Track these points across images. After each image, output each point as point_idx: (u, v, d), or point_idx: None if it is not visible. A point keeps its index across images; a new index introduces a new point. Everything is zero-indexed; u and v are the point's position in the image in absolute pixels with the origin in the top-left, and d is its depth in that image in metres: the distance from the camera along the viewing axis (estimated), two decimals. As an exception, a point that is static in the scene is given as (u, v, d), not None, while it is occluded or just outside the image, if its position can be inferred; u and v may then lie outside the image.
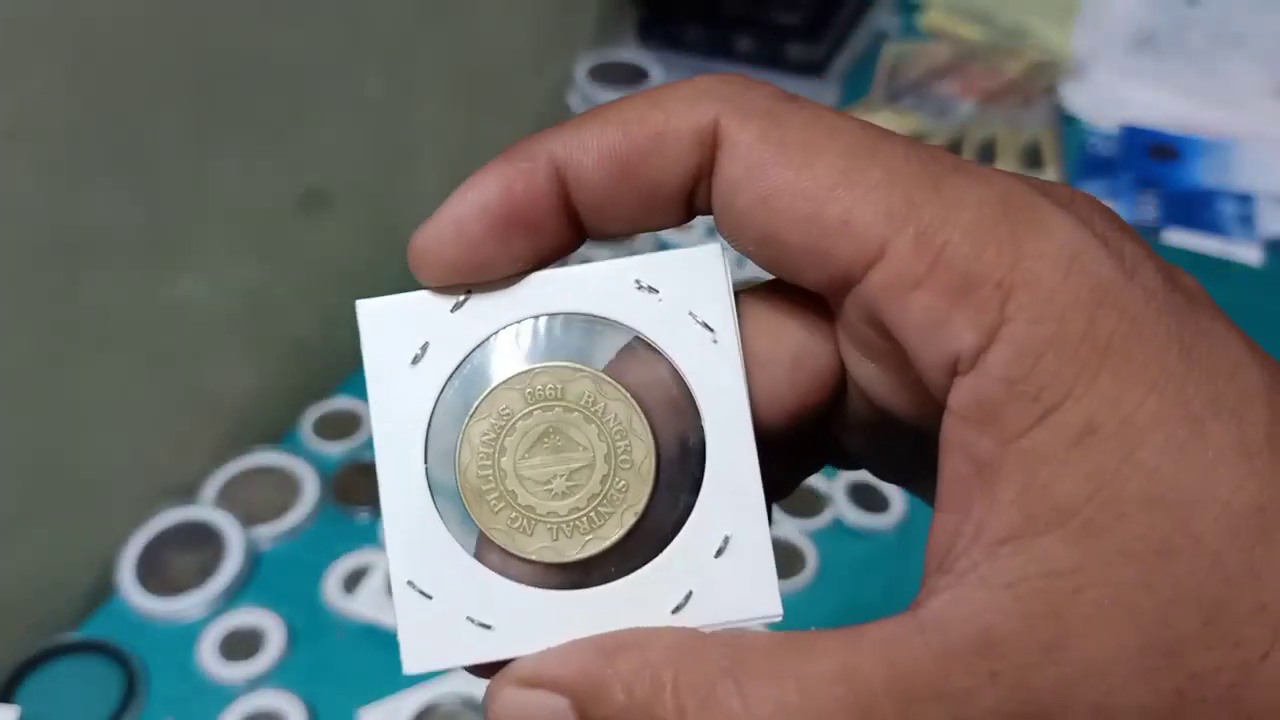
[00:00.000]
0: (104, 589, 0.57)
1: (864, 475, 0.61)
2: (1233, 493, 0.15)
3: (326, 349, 0.67)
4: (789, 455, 0.21)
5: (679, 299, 0.19)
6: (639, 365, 0.19)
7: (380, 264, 0.70)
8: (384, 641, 0.54)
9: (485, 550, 0.19)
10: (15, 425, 0.51)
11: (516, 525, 0.19)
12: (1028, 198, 0.16)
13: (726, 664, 0.16)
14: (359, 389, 0.73)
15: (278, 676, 0.53)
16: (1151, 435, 0.15)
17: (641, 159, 0.18)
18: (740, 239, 0.18)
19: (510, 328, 0.19)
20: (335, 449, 0.63)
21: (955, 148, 0.83)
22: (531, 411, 0.19)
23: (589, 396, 0.19)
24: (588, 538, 0.19)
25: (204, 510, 0.59)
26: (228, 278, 0.59)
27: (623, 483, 0.19)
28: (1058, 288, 0.15)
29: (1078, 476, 0.15)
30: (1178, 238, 0.77)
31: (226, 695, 0.52)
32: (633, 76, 0.81)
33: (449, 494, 0.19)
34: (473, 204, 0.18)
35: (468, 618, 0.19)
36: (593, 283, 0.19)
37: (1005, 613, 0.15)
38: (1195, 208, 0.79)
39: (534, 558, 0.19)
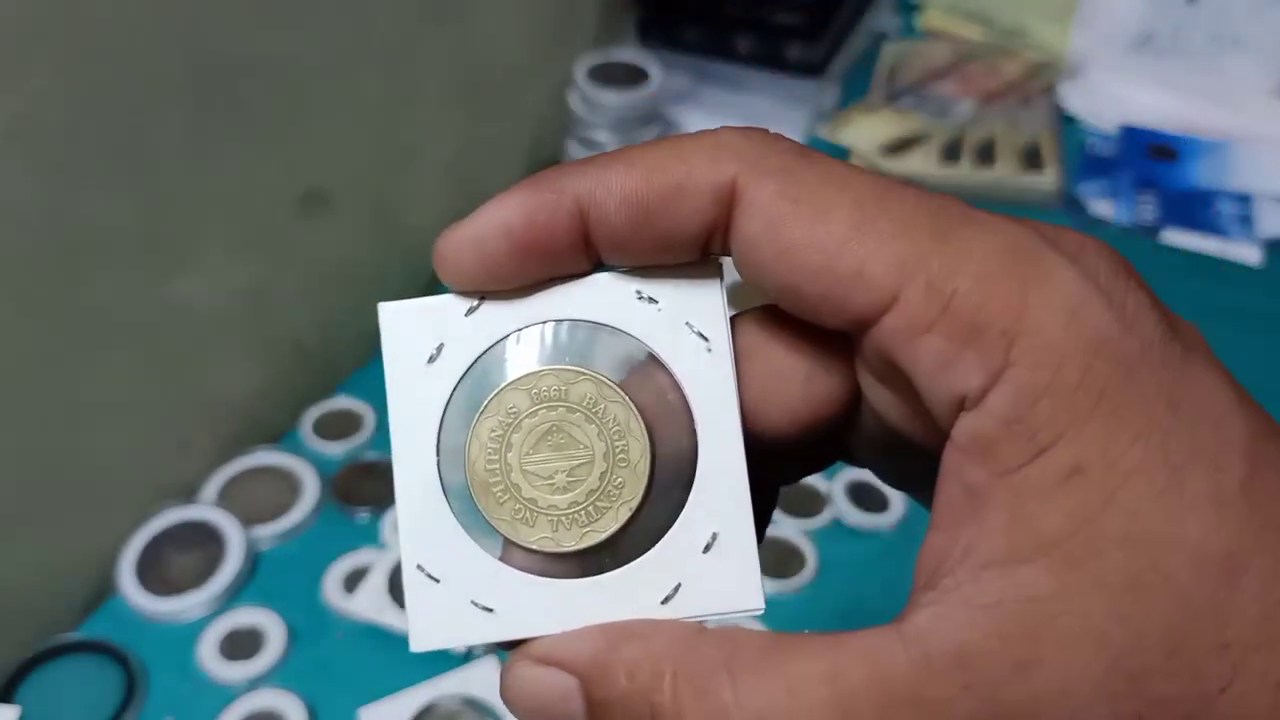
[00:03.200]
0: (104, 589, 0.57)
1: (864, 475, 0.62)
2: (1204, 537, 0.16)
3: (326, 349, 0.67)
4: (799, 455, 0.22)
5: (677, 310, 0.21)
6: (637, 370, 0.21)
7: (380, 264, 0.70)
8: (384, 641, 0.54)
9: (489, 540, 0.20)
10: (15, 425, 0.51)
11: (519, 516, 0.20)
12: (1034, 248, 0.18)
13: (722, 658, 0.18)
14: (359, 389, 0.74)
15: (278, 676, 0.53)
16: (1134, 480, 0.16)
17: (662, 207, 0.19)
18: (760, 286, 0.19)
19: (519, 332, 0.21)
20: (335, 449, 0.63)
21: (954, 147, 0.83)
22: (537, 411, 0.20)
23: (590, 398, 0.20)
24: (585, 530, 0.20)
25: (204, 510, 0.59)
26: (228, 278, 0.59)
27: (620, 480, 0.20)
28: (1058, 337, 0.17)
29: (1062, 512, 0.16)
30: (1176, 238, 0.77)
31: (226, 695, 0.52)
32: (633, 76, 0.81)
33: (458, 486, 0.20)
34: (495, 224, 0.20)
35: (471, 601, 0.20)
36: (597, 293, 0.21)
37: (983, 631, 0.16)
38: (1194, 208, 0.79)
39: (535, 547, 0.20)
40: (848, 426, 0.21)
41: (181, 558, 0.57)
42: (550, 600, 0.20)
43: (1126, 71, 0.89)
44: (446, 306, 0.21)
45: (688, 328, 0.20)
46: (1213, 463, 0.16)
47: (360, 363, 0.68)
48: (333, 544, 0.58)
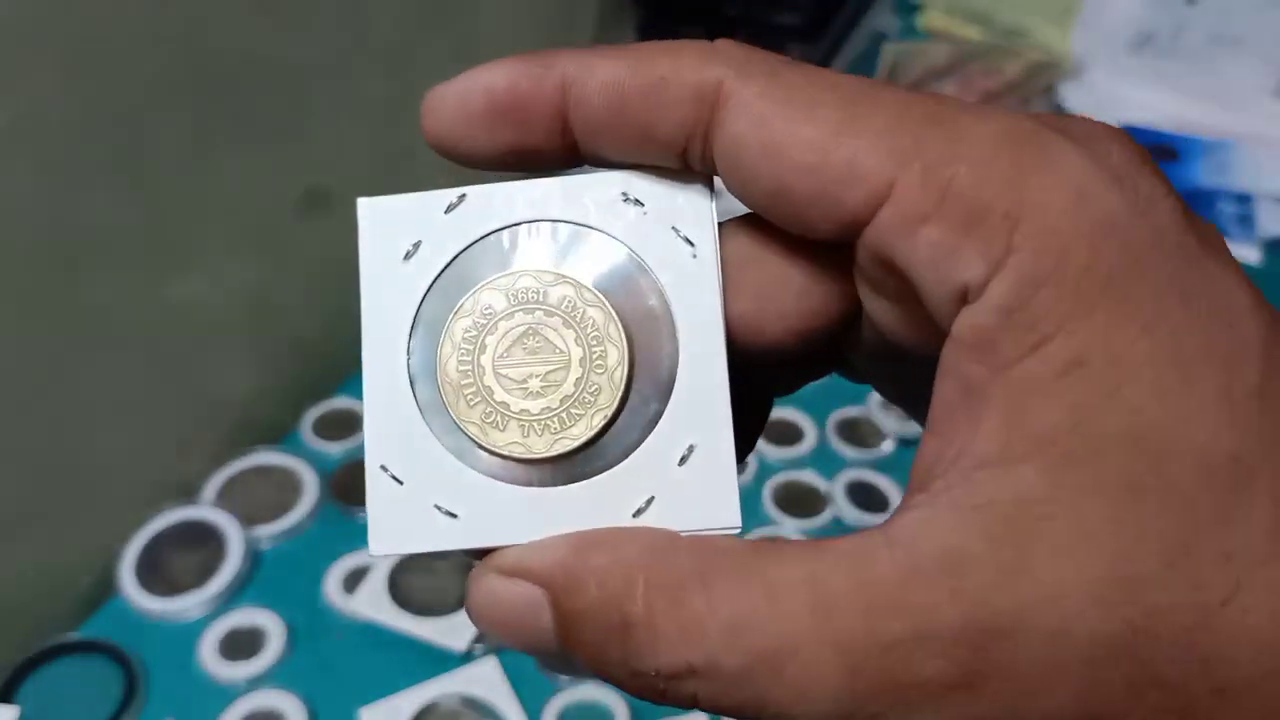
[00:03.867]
0: (104, 589, 0.57)
1: (865, 475, 0.62)
2: (1211, 440, 0.15)
3: (327, 349, 0.67)
4: (795, 365, 0.21)
5: (663, 214, 0.20)
6: (618, 274, 0.20)
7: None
8: (384, 641, 0.54)
9: (457, 443, 0.20)
10: (16, 425, 0.51)
11: (490, 420, 0.19)
12: (1035, 132, 0.16)
13: (696, 566, 0.17)
14: (359, 389, 0.74)
15: (278, 676, 0.53)
16: (1139, 375, 0.15)
17: (641, 98, 0.19)
18: (747, 193, 0.19)
19: (499, 231, 0.20)
20: (335, 449, 0.63)
21: (955, 148, 0.83)
22: (513, 312, 0.20)
23: (569, 301, 0.20)
24: (557, 437, 0.19)
25: (204, 510, 0.59)
26: (228, 278, 0.59)
27: (595, 386, 0.19)
28: (1063, 220, 0.16)
29: (1060, 408, 0.15)
30: (1177, 238, 0.77)
31: (227, 695, 0.52)
32: (632, 77, 0.81)
33: (428, 386, 0.20)
34: (480, 83, 0.20)
35: (435, 505, 0.19)
36: (581, 192, 0.20)
37: (970, 533, 0.15)
38: (1194, 208, 0.79)
39: (504, 452, 0.19)
40: (846, 337, 0.21)
41: (182, 558, 0.57)
42: (518, 508, 0.19)
43: (1127, 71, 0.89)
44: (426, 203, 0.20)
45: (673, 232, 0.20)
46: (1225, 362, 0.15)
47: (360, 362, 0.68)
48: (333, 544, 0.58)
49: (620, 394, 0.19)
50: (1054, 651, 0.15)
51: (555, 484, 0.19)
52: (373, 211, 0.21)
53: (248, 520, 0.58)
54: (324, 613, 0.56)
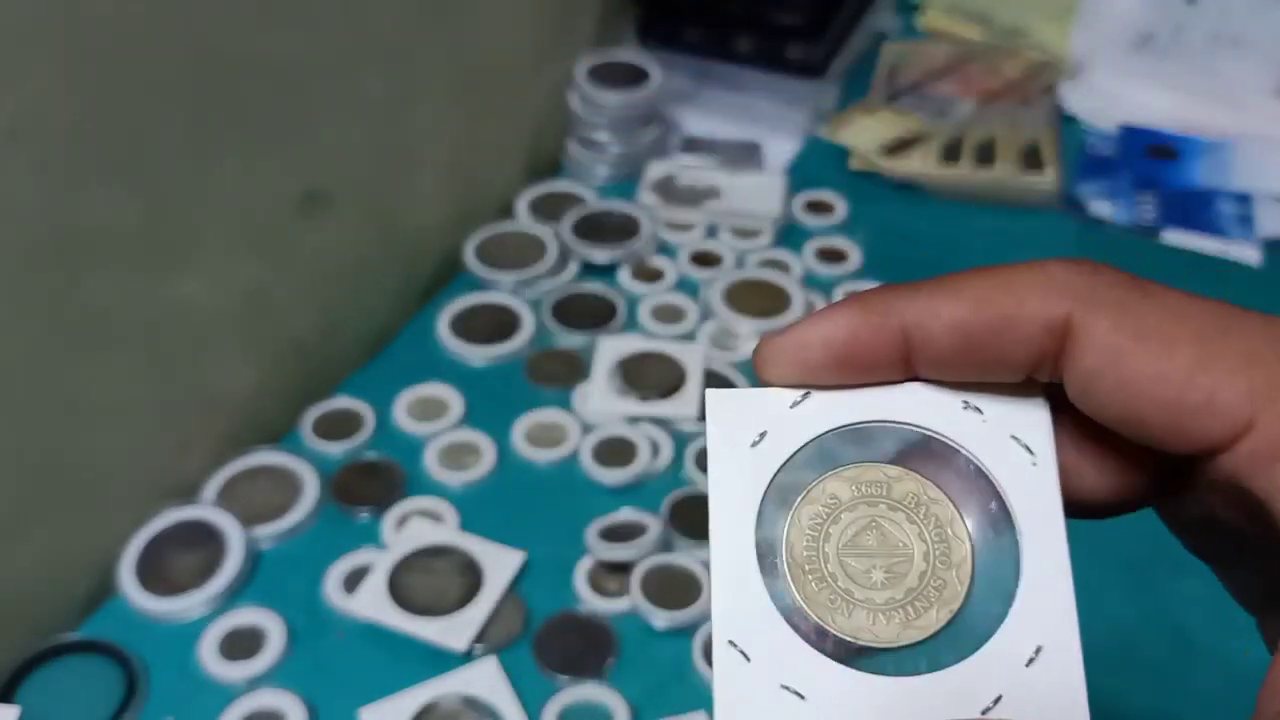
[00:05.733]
0: (104, 589, 0.57)
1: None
2: None
3: (326, 349, 0.67)
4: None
5: (1002, 422, 0.21)
6: (959, 476, 0.21)
7: (380, 264, 0.70)
8: (384, 641, 0.54)
9: (804, 624, 0.20)
10: (15, 425, 0.51)
11: (835, 605, 0.20)
12: None
13: None
14: (359, 389, 0.74)
15: (278, 676, 0.53)
16: None
17: (991, 338, 0.19)
18: (1098, 416, 0.19)
19: (845, 428, 0.21)
20: (335, 449, 0.63)
21: (954, 148, 0.83)
22: (857, 504, 0.20)
23: (914, 497, 0.20)
24: (904, 627, 0.20)
25: (204, 510, 0.59)
26: (228, 278, 0.59)
27: (940, 581, 0.20)
28: None
29: None
30: (1176, 238, 0.77)
31: (227, 695, 0.52)
32: (633, 76, 0.81)
33: (774, 567, 0.20)
34: (820, 337, 0.20)
35: (782, 685, 0.19)
36: (923, 399, 0.21)
37: None
38: (1194, 208, 0.79)
39: (851, 637, 0.20)
40: (1163, 503, 0.21)
41: (182, 558, 0.57)
42: (864, 694, 0.19)
43: (1126, 71, 0.88)
44: (773, 397, 0.21)
45: (1013, 440, 0.20)
46: None
47: (360, 363, 0.68)
48: (333, 544, 0.58)
49: (966, 589, 0.20)
50: None
51: (899, 674, 0.19)
52: (722, 401, 0.21)
53: (248, 520, 0.58)
54: (324, 613, 0.56)
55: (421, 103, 0.69)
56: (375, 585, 0.55)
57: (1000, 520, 0.20)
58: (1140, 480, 0.21)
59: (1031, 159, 0.82)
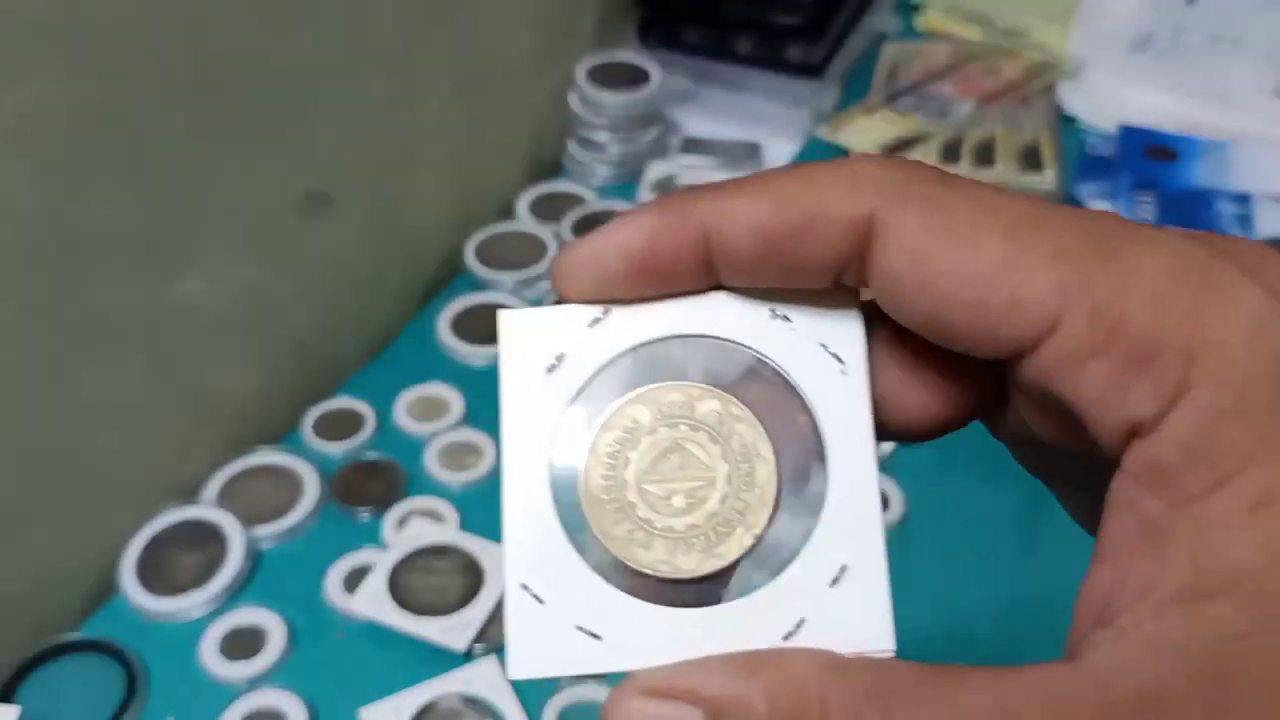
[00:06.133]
0: (105, 588, 0.57)
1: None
2: None
3: (327, 349, 0.67)
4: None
5: (811, 330, 0.20)
6: (766, 390, 0.20)
7: (380, 264, 0.70)
8: (385, 640, 0.54)
9: (600, 560, 0.19)
10: (16, 425, 0.51)
11: (634, 537, 0.19)
12: (1208, 263, 0.16)
13: (872, 687, 0.16)
14: (359, 389, 0.74)
15: (278, 676, 0.53)
16: None
17: (792, 238, 0.18)
18: (903, 318, 0.18)
19: (645, 346, 0.20)
20: (336, 449, 0.63)
21: (954, 148, 0.83)
22: (658, 427, 0.19)
23: (716, 416, 0.19)
24: (704, 556, 0.19)
25: (205, 510, 0.59)
26: (228, 278, 0.59)
27: (743, 504, 0.19)
28: (1241, 357, 0.16)
29: (1251, 544, 0.15)
30: (1176, 238, 0.77)
31: (227, 694, 0.52)
32: (633, 77, 0.81)
33: (569, 501, 0.19)
34: (616, 244, 0.19)
35: (578, 626, 0.19)
36: (727, 309, 0.20)
37: (1171, 672, 0.15)
38: (1193, 208, 0.79)
39: (649, 571, 0.19)
40: (988, 417, 0.21)
41: (182, 557, 0.57)
42: (663, 629, 0.19)
43: (1126, 72, 0.89)
44: (569, 316, 0.20)
45: (822, 349, 0.19)
46: None
47: (361, 363, 0.68)
48: (333, 544, 0.58)
49: (769, 512, 0.19)
50: None
51: (701, 604, 0.19)
52: (515, 323, 0.20)
53: (248, 520, 0.58)
54: (324, 613, 0.56)
55: (422, 103, 0.69)
56: (375, 585, 0.55)
57: (808, 435, 0.19)
58: (965, 396, 0.20)
59: (1031, 159, 0.82)
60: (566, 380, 0.20)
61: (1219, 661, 0.15)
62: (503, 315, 0.20)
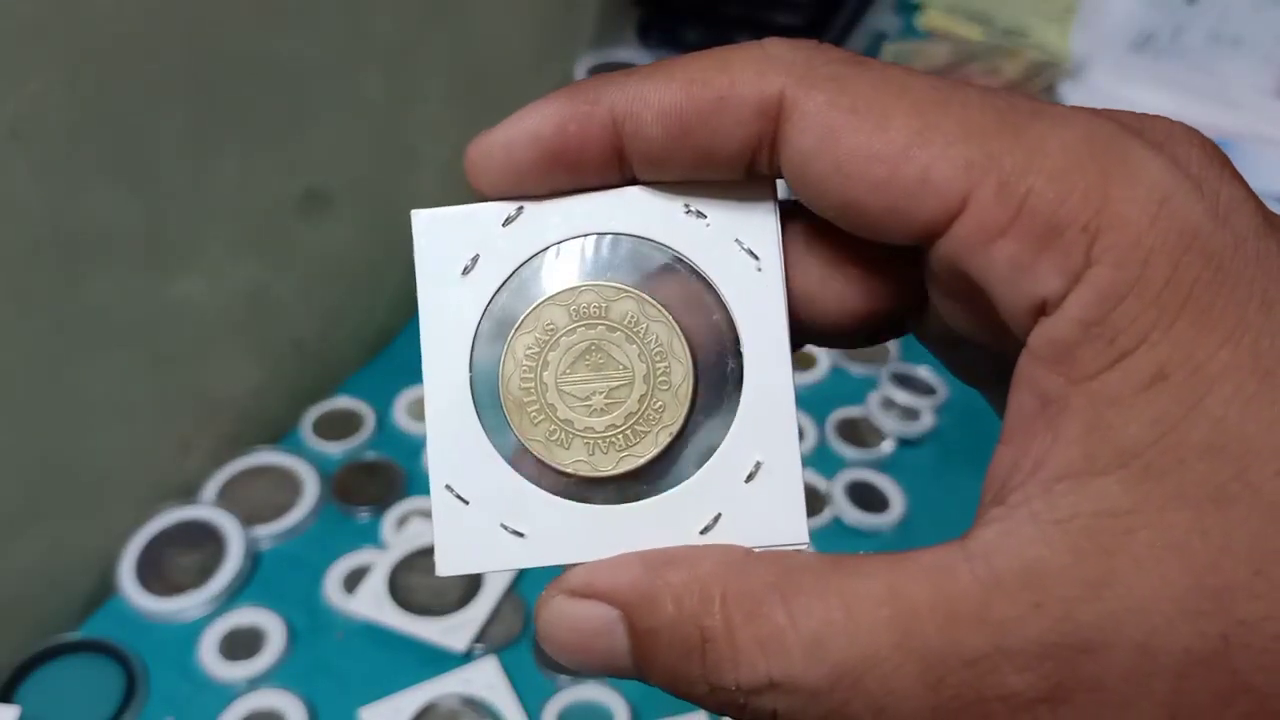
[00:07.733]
0: (104, 589, 0.57)
1: (864, 475, 0.62)
2: None
3: (326, 349, 0.67)
4: (853, 339, 0.21)
5: (726, 226, 0.19)
6: (682, 288, 0.20)
7: (380, 264, 0.70)
8: (384, 641, 0.54)
9: (522, 460, 0.19)
10: (15, 425, 0.51)
11: (554, 438, 0.19)
12: (1114, 139, 0.16)
13: (773, 580, 0.17)
14: (359, 389, 0.74)
15: (278, 676, 0.53)
16: (1220, 385, 0.15)
17: (701, 121, 0.18)
18: (816, 205, 0.18)
19: (559, 244, 0.20)
20: (335, 449, 0.63)
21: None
22: (575, 328, 0.19)
23: (632, 316, 0.19)
24: (623, 454, 0.19)
25: (204, 510, 0.59)
26: (228, 278, 0.59)
27: (660, 403, 0.19)
28: (1144, 231, 0.15)
29: (1143, 420, 0.15)
30: (1177, 238, 0.77)
31: (227, 695, 0.52)
32: (632, 77, 0.81)
33: (491, 404, 0.20)
34: (525, 131, 0.19)
35: (501, 524, 0.19)
36: (642, 206, 0.20)
37: (1054, 547, 0.15)
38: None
39: (569, 470, 0.19)
40: (911, 319, 0.20)
41: (182, 557, 0.57)
42: (584, 526, 0.19)
43: (1126, 71, 0.88)
44: (483, 216, 0.20)
45: (737, 245, 0.19)
46: None
47: (360, 363, 0.68)
48: (333, 544, 0.58)
49: (685, 411, 0.19)
50: (1143, 664, 0.15)
51: (621, 501, 0.19)
52: (429, 224, 0.20)
53: (248, 520, 0.58)
54: (324, 613, 0.56)
55: (421, 103, 0.69)
56: (375, 585, 0.55)
57: (724, 333, 0.19)
58: (884, 291, 0.19)
59: (1031, 159, 0.82)
60: (482, 282, 0.20)
61: (1103, 537, 0.15)
62: (416, 215, 0.20)
